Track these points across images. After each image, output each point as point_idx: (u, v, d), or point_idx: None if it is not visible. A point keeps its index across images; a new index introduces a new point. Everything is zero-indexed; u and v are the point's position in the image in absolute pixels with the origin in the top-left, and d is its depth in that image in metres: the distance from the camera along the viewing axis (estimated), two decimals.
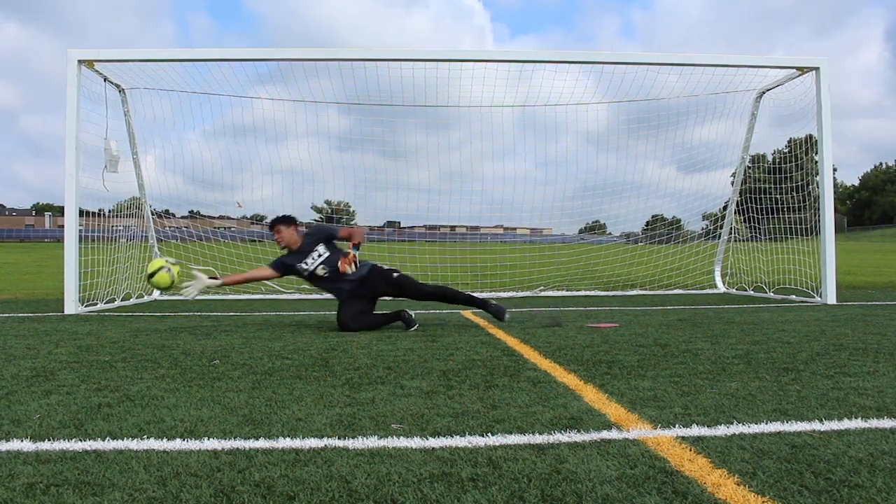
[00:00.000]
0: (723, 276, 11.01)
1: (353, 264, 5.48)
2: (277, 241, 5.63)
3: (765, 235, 10.62)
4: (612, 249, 13.13)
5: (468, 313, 7.13)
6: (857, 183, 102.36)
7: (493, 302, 5.81)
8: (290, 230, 5.61)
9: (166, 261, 5.72)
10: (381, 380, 3.34)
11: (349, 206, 15.51)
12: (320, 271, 5.51)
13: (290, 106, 10.00)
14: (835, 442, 2.23)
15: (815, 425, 2.44)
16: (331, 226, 5.84)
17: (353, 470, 1.97)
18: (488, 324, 5.99)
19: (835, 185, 16.56)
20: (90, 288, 8.11)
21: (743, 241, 11.08)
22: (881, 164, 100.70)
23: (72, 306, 7.35)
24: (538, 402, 2.83)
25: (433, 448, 2.18)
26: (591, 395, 2.95)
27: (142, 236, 9.65)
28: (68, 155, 7.49)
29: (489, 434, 2.34)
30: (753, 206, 10.66)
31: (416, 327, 5.51)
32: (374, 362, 3.87)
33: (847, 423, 2.46)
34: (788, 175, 10.23)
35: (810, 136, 9.35)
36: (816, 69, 8.36)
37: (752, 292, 9.85)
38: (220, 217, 13.21)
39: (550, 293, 10.28)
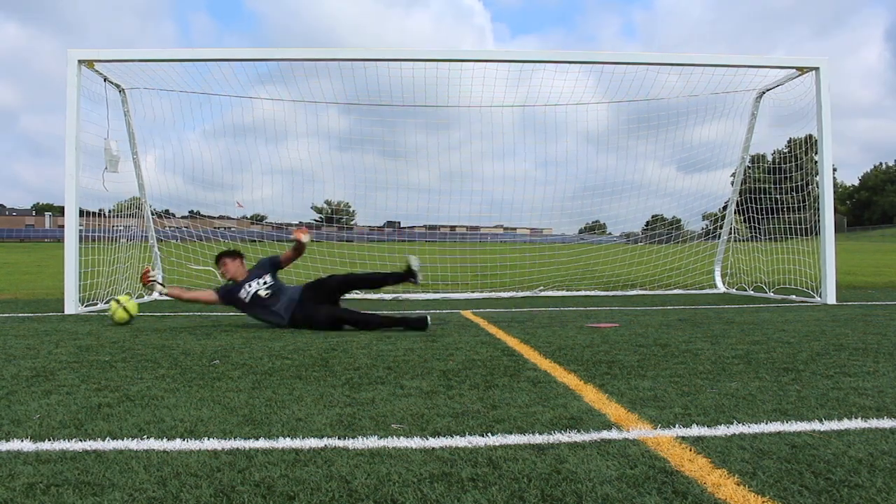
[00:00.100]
0: (723, 276, 11.01)
1: (307, 234, 5.76)
2: (223, 274, 5.82)
3: (765, 235, 10.62)
4: (612, 249, 13.13)
5: (468, 313, 7.13)
6: (857, 183, 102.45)
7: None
8: (235, 263, 5.82)
9: (116, 301, 5.98)
10: (381, 380, 3.34)
11: (349, 206, 15.53)
12: (262, 292, 5.63)
13: (290, 106, 10.01)
14: (835, 442, 2.23)
15: (815, 425, 2.44)
16: (274, 255, 5.92)
17: (353, 470, 1.97)
18: (488, 324, 5.99)
19: (835, 185, 16.58)
20: (90, 288, 8.10)
21: (743, 241, 11.09)
22: (881, 164, 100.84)
23: (72, 306, 7.35)
24: (538, 402, 2.83)
25: (433, 448, 2.18)
26: (591, 395, 2.95)
27: (142, 236, 9.65)
28: (68, 155, 7.49)
29: (489, 434, 2.34)
30: (753, 206, 10.66)
31: (426, 326, 5.48)
32: (374, 362, 3.87)
33: (847, 423, 2.46)
34: (788, 175, 10.23)
35: (810, 136, 9.35)
36: (816, 69, 8.36)
37: (752, 292, 9.85)
38: (220, 217, 13.21)
39: (550, 293, 10.28)
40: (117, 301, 5.95)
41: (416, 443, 2.24)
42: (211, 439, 2.29)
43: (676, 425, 2.45)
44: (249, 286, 5.66)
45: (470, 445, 2.21)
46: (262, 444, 2.24)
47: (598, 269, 12.15)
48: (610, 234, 14.89)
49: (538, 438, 2.28)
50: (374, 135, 10.72)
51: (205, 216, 12.11)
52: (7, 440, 2.30)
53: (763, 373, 3.47)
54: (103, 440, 2.28)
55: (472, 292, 10.34)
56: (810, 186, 10.03)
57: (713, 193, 11.74)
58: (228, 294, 5.69)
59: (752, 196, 10.73)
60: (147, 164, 9.64)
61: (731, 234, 11.04)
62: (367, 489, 1.82)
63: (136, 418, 2.58)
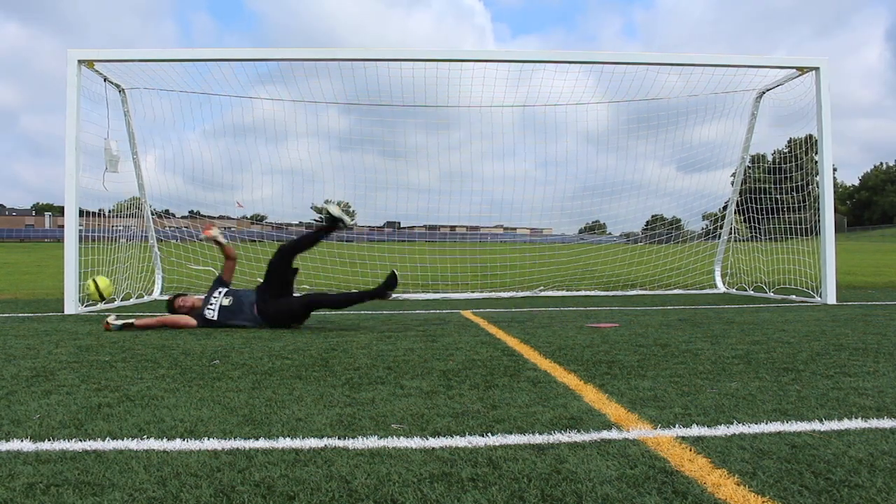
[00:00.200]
0: (723, 276, 11.01)
1: (215, 230, 6.13)
2: (180, 308, 5.93)
3: (765, 235, 10.62)
4: (611, 249, 13.13)
5: (468, 313, 7.13)
6: (857, 183, 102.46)
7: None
8: (189, 297, 6.02)
9: (92, 280, 6.14)
10: (381, 380, 3.34)
11: (349, 207, 15.51)
12: (224, 301, 5.80)
13: (290, 106, 10.01)
14: (835, 442, 2.23)
15: (815, 425, 2.44)
16: (218, 276, 6.15)
17: (353, 470, 1.97)
18: (488, 324, 5.99)
19: (835, 185, 16.57)
20: (90, 287, 8.10)
21: (743, 241, 11.09)
22: (881, 164, 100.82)
23: (72, 306, 7.34)
24: (538, 402, 2.83)
25: (433, 448, 2.18)
26: (591, 395, 2.95)
27: (142, 236, 9.66)
28: (68, 155, 7.49)
29: (489, 434, 2.34)
30: (753, 206, 10.66)
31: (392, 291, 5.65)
32: (374, 362, 3.87)
33: (847, 423, 2.46)
34: (788, 175, 10.23)
35: (810, 136, 9.35)
36: (816, 69, 8.36)
37: (752, 292, 9.85)
38: (220, 217, 13.21)
39: (550, 293, 10.28)
40: (94, 281, 6.02)
41: (416, 443, 2.24)
42: (211, 439, 2.29)
43: (676, 425, 2.45)
44: (212, 304, 5.81)
45: (470, 445, 2.21)
46: (262, 444, 2.24)
47: (598, 269, 12.15)
48: (610, 234, 14.90)
49: (538, 438, 2.28)
50: (374, 135, 10.73)
51: (205, 216, 12.10)
52: (7, 440, 2.30)
53: (763, 373, 3.47)
54: (103, 440, 2.28)
55: (472, 292, 10.34)
56: (810, 186, 10.04)
57: (713, 193, 11.76)
58: (201, 318, 5.80)
59: (752, 196, 10.73)
60: (147, 164, 9.65)
61: (731, 234, 11.04)
62: (367, 489, 1.82)
63: (136, 418, 2.58)
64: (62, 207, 8.43)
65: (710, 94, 9.66)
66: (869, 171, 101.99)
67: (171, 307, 6.00)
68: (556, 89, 9.35)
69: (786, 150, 10.81)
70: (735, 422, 2.49)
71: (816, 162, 8.82)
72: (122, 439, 2.29)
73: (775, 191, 10.63)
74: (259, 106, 10.10)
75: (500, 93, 9.32)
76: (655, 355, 4.06)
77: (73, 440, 2.29)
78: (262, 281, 5.94)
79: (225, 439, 2.29)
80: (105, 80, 8.25)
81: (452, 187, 11.37)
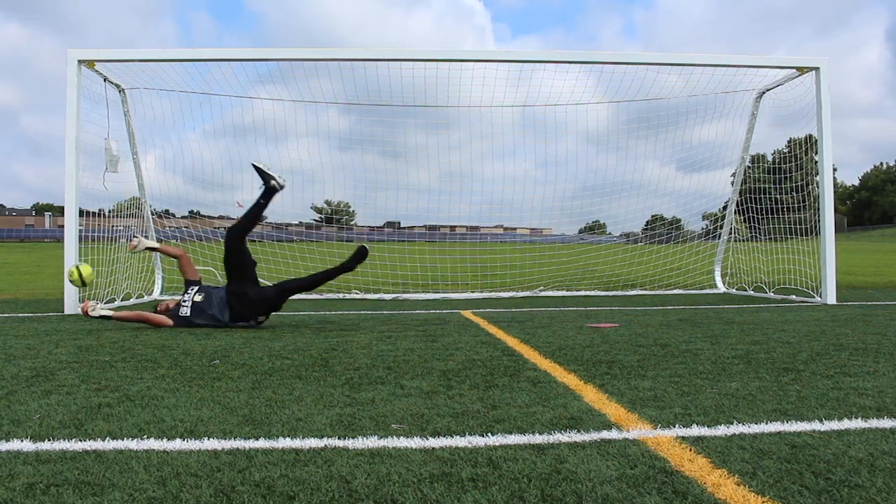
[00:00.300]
0: (723, 276, 11.02)
1: (137, 242, 6.25)
2: (160, 310, 5.99)
3: (765, 235, 10.62)
4: (611, 249, 13.13)
5: (468, 313, 7.13)
6: (857, 183, 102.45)
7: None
8: (169, 300, 6.11)
9: (76, 266, 6.24)
10: (381, 380, 3.34)
11: (349, 206, 15.52)
12: (197, 297, 5.83)
13: (290, 106, 10.00)
14: (835, 442, 2.23)
15: (815, 425, 2.44)
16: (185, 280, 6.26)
17: (353, 470, 1.97)
18: (488, 324, 6.00)
19: (835, 185, 16.57)
20: (90, 288, 8.10)
21: (743, 241, 11.09)
22: (881, 164, 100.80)
23: (72, 306, 7.34)
24: (538, 402, 2.83)
25: (433, 448, 2.18)
26: (591, 395, 2.95)
27: (142, 236, 9.64)
28: (68, 155, 7.49)
29: (489, 434, 2.34)
30: (753, 206, 10.66)
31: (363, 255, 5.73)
32: (374, 362, 3.87)
33: (847, 423, 2.46)
34: (788, 175, 10.24)
35: (810, 136, 9.35)
36: (816, 69, 8.37)
37: (752, 292, 9.85)
38: (220, 217, 13.20)
39: (550, 293, 10.28)
40: (77, 267, 6.14)
41: (416, 443, 2.24)
42: (211, 439, 2.29)
43: (676, 425, 2.45)
44: (185, 302, 5.85)
45: (470, 445, 2.21)
46: (262, 444, 2.24)
47: (598, 269, 12.15)
48: (610, 234, 14.90)
49: (538, 438, 2.28)
50: (374, 135, 10.73)
51: (205, 216, 12.10)
52: (7, 440, 2.30)
53: (763, 373, 3.47)
54: (103, 440, 2.28)
55: (472, 292, 10.34)
56: (810, 186, 10.04)
57: (713, 193, 11.75)
58: (177, 318, 5.83)
59: (752, 196, 10.73)
60: (147, 164, 9.65)
61: (731, 234, 11.04)
62: (367, 489, 1.82)
63: (136, 418, 2.58)
64: (62, 207, 8.43)
65: (710, 94, 9.66)
66: (869, 171, 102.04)
67: (156, 308, 6.06)
68: (556, 89, 9.35)
69: (786, 150, 10.81)
70: (735, 422, 2.49)
71: (816, 162, 8.82)
72: (122, 439, 2.29)
73: (775, 191, 10.63)
74: (259, 106, 10.10)
75: (500, 93, 9.33)
76: (655, 355, 4.06)
77: (73, 440, 2.29)
78: (229, 284, 5.95)
79: (225, 439, 2.29)
80: (105, 80, 8.25)
81: (452, 187, 11.37)
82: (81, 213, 7.77)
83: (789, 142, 10.47)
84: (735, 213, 10.93)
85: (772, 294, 9.39)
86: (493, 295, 10.08)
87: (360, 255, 5.70)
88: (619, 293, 10.19)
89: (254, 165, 5.94)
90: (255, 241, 12.71)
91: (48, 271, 17.47)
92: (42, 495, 1.78)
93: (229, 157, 10.69)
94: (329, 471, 1.97)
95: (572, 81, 9.28)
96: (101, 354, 4.21)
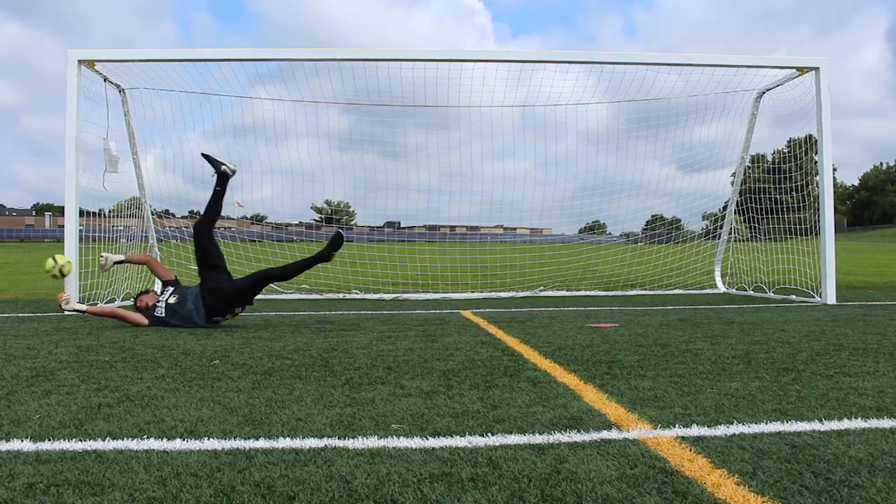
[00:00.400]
0: (723, 276, 11.01)
1: (103, 261, 6.34)
2: (140, 308, 6.02)
3: (765, 235, 10.62)
4: (612, 249, 13.13)
5: (468, 313, 7.13)
6: (857, 183, 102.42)
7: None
8: (148, 295, 6.13)
9: (52, 257, 6.38)
10: (381, 380, 3.34)
11: (349, 206, 15.53)
12: (171, 299, 5.85)
13: (290, 106, 10.00)
14: (835, 442, 2.23)
15: (815, 425, 2.44)
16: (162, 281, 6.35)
17: (353, 470, 1.97)
18: (488, 324, 6.00)
19: (835, 185, 16.57)
20: (90, 288, 8.10)
21: (743, 241, 11.08)
22: (881, 164, 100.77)
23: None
24: (538, 402, 2.83)
25: (433, 448, 2.18)
26: (591, 395, 2.95)
27: (142, 236, 9.65)
28: (68, 155, 7.49)
29: (489, 434, 2.34)
30: (753, 206, 10.66)
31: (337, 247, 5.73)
32: (374, 362, 3.87)
33: (847, 423, 2.46)
34: (788, 175, 10.24)
35: (810, 136, 9.35)
36: (816, 69, 8.37)
37: (752, 292, 9.85)
38: (220, 217, 13.18)
39: (550, 293, 10.28)
40: (54, 258, 6.25)
41: (416, 443, 2.24)
42: (211, 439, 2.29)
43: (676, 425, 2.45)
44: (160, 303, 5.88)
45: (470, 445, 2.21)
46: (262, 444, 2.24)
47: (598, 269, 12.15)
48: (610, 234, 14.90)
49: (538, 438, 2.28)
50: (374, 135, 10.73)
51: None
52: (7, 440, 2.30)
53: (763, 373, 3.47)
54: (103, 440, 2.29)
55: (472, 292, 10.34)
56: (810, 186, 10.03)
57: (713, 193, 11.75)
58: (152, 318, 5.85)
59: (752, 196, 10.73)
60: (147, 164, 9.64)
61: (731, 234, 11.04)
62: (367, 489, 1.82)
63: (136, 418, 2.58)
64: (62, 207, 8.43)
65: (710, 94, 9.66)
66: (869, 171, 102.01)
67: (135, 302, 6.11)
68: (556, 89, 9.35)
69: (786, 150, 10.81)
70: (735, 422, 2.49)
71: (816, 162, 8.82)
72: (122, 439, 2.29)
73: (775, 191, 10.63)
74: (259, 106, 10.10)
75: (500, 93, 9.33)
76: (655, 355, 4.06)
77: (73, 440, 2.29)
78: (203, 283, 5.98)
79: (225, 439, 2.29)
80: (105, 80, 8.25)
81: (452, 187, 11.37)
82: (81, 213, 7.77)
83: (789, 142, 10.48)
84: (735, 213, 10.93)
85: (772, 294, 9.39)
86: (493, 295, 10.08)
87: (337, 241, 5.70)
88: (619, 293, 10.19)
89: (203, 155, 6.08)
90: (255, 241, 12.73)
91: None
92: (42, 495, 1.79)
93: (229, 157, 10.65)
94: (329, 471, 1.97)
95: (572, 81, 9.29)
96: (101, 354, 4.21)
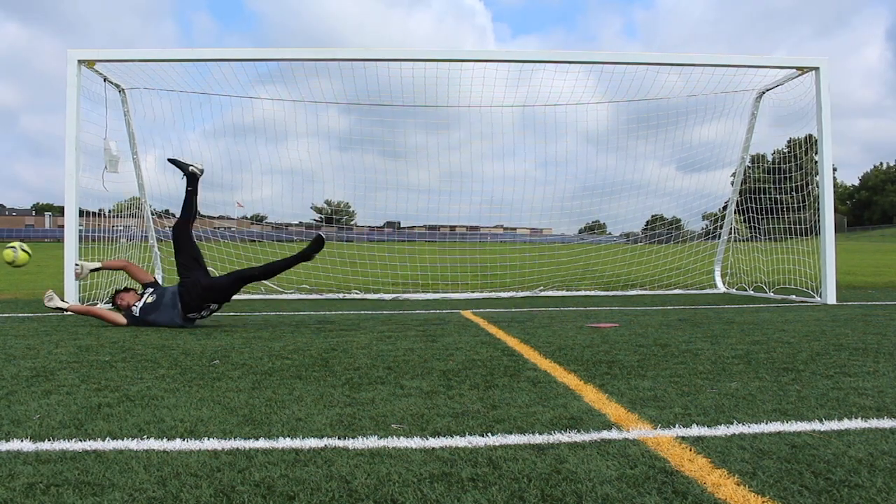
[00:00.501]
0: (723, 276, 11.01)
1: (79, 269, 6.33)
2: (120, 306, 6.08)
3: (765, 235, 10.62)
4: (612, 249, 13.13)
5: (468, 313, 7.13)
6: (857, 183, 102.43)
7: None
8: (129, 294, 6.17)
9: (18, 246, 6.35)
10: (381, 380, 3.34)
11: (349, 206, 15.53)
12: (149, 298, 5.90)
13: (290, 106, 10.00)
14: (835, 442, 2.23)
15: (815, 425, 2.44)
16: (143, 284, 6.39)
17: (353, 470, 1.97)
18: (488, 324, 6.00)
19: (835, 185, 16.58)
20: (90, 288, 8.10)
21: (743, 241, 11.08)
22: (881, 164, 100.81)
23: None
24: (538, 402, 2.83)
25: (433, 448, 2.18)
26: (591, 395, 2.95)
27: (142, 236, 9.65)
28: (68, 155, 7.49)
29: (489, 434, 2.34)
30: (753, 206, 10.65)
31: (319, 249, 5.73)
32: (374, 362, 3.87)
33: (847, 423, 2.46)
34: (788, 175, 10.23)
35: (810, 136, 9.35)
36: (816, 69, 8.37)
37: (752, 292, 9.85)
38: (220, 217, 13.20)
39: (550, 293, 10.28)
40: (13, 248, 6.24)
41: (416, 443, 2.24)
42: (211, 439, 2.29)
43: (676, 425, 2.45)
44: (137, 303, 5.93)
45: (470, 445, 2.21)
46: (262, 444, 2.24)
47: (598, 269, 12.15)
48: (610, 234, 14.90)
49: (538, 438, 2.28)
50: (375, 135, 10.73)
51: (205, 216, 12.09)
52: (7, 440, 2.30)
53: (763, 373, 3.47)
54: (103, 440, 2.29)
55: (472, 292, 10.34)
56: (810, 186, 10.03)
57: (713, 193, 11.75)
58: (130, 317, 5.89)
59: (752, 196, 10.73)
60: (147, 164, 9.64)
61: (731, 234, 11.04)
62: (367, 489, 1.82)
63: (136, 418, 2.58)
64: (62, 207, 8.43)
65: (710, 94, 9.66)
66: (869, 171, 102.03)
67: (113, 299, 6.15)
68: (556, 89, 9.35)
69: (786, 150, 10.80)
70: (735, 422, 2.49)
71: (816, 162, 8.82)
72: (122, 439, 2.29)
73: (775, 191, 10.63)
74: (259, 106, 10.10)
75: (500, 93, 9.32)
76: (655, 355, 4.06)
77: (73, 440, 2.29)
78: (181, 281, 6.02)
79: (225, 439, 2.29)
80: (105, 80, 8.25)
81: (452, 187, 11.37)
82: (81, 213, 7.77)
83: (789, 142, 10.47)
84: (735, 213, 10.92)
85: (772, 294, 9.39)
86: (493, 295, 10.08)
87: (318, 243, 5.72)
88: (619, 293, 10.19)
89: (169, 160, 6.19)
90: (255, 241, 12.73)
91: (48, 271, 17.46)
92: (42, 495, 1.79)
93: (229, 157, 10.69)
94: (329, 471, 1.97)
95: (572, 81, 9.29)
96: (101, 354, 4.21)
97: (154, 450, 2.17)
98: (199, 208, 6.46)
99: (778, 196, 10.54)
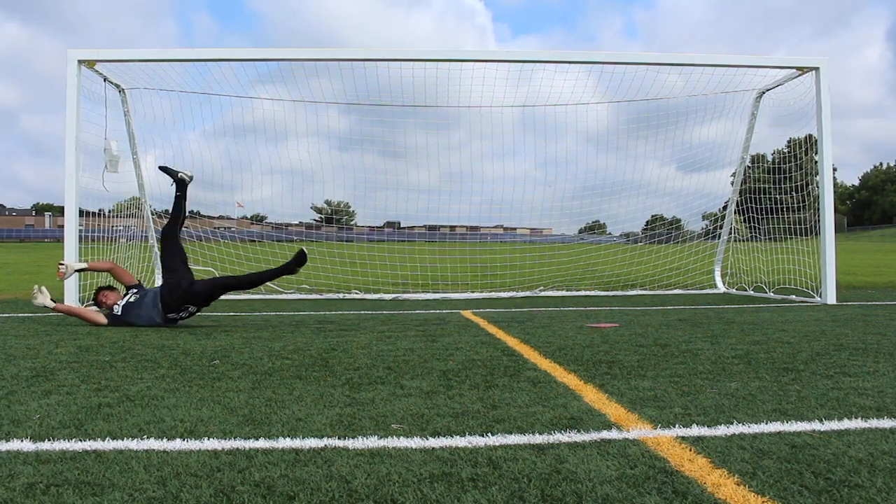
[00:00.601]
0: (723, 276, 11.01)
1: (64, 269, 6.29)
2: (102, 304, 6.09)
3: (765, 235, 10.62)
4: (612, 249, 13.13)
5: (468, 313, 7.13)
6: (857, 183, 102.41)
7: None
8: (113, 293, 6.20)
9: None
10: (381, 380, 3.34)
11: (349, 206, 15.54)
12: (132, 298, 5.92)
13: (290, 106, 10.01)
14: (835, 442, 2.23)
15: (815, 425, 2.44)
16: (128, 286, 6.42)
17: (353, 470, 1.97)
18: (488, 324, 6.00)
19: (835, 185, 16.58)
20: (90, 288, 8.09)
21: (743, 241, 11.09)
22: (881, 164, 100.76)
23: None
24: (538, 402, 2.83)
25: (433, 448, 2.18)
26: (591, 395, 2.95)
27: (142, 236, 9.65)
28: (68, 155, 7.49)
29: (489, 434, 2.34)
30: (753, 206, 10.66)
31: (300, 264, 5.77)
32: (374, 362, 3.87)
33: (847, 423, 2.46)
34: (788, 175, 10.24)
35: (810, 136, 9.35)
36: (816, 69, 8.37)
37: (752, 292, 9.85)
38: (220, 217, 13.21)
39: (550, 293, 10.28)
40: None
41: (416, 443, 2.24)
42: (211, 439, 2.29)
43: (676, 425, 2.45)
44: (121, 301, 5.96)
45: (470, 445, 2.21)
46: (262, 444, 2.24)
47: (598, 269, 12.15)
48: (610, 234, 14.90)
49: (538, 438, 2.28)
50: (375, 135, 10.74)
51: (205, 216, 12.11)
52: (7, 440, 2.30)
53: (763, 373, 3.47)
54: (103, 440, 2.28)
55: (472, 292, 10.34)
56: (810, 186, 10.03)
57: (713, 193, 11.76)
58: (111, 316, 5.91)
59: (752, 196, 10.73)
60: (147, 164, 9.64)
61: (731, 234, 11.04)
62: (367, 489, 1.82)
63: (136, 418, 2.58)
64: (62, 207, 8.43)
65: (710, 94, 9.67)
66: (869, 171, 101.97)
67: (95, 297, 6.15)
68: (557, 89, 9.36)
69: (786, 150, 10.81)
70: (735, 422, 2.49)
71: (816, 162, 8.82)
72: (122, 439, 2.29)
73: (775, 191, 10.63)
74: (259, 106, 10.11)
75: (500, 93, 9.33)
76: (655, 355, 4.06)
77: (73, 440, 2.29)
78: (165, 283, 6.04)
79: (225, 439, 2.29)
80: (105, 80, 8.25)
81: (452, 187, 11.38)
82: (81, 213, 7.77)
83: (789, 142, 10.48)
84: (735, 213, 10.93)
85: (772, 294, 9.39)
86: (493, 295, 10.08)
87: (300, 258, 5.78)
88: (619, 293, 10.19)
89: (160, 168, 6.30)
90: (255, 241, 12.74)
91: (48, 271, 17.46)
92: (42, 495, 1.78)
93: (229, 157, 10.70)
94: (329, 471, 1.97)
95: (572, 81, 9.30)
96: (101, 354, 4.21)
97: (154, 450, 2.17)
98: (188, 212, 6.56)
99: (778, 196, 10.54)
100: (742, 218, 10.95)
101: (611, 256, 12.57)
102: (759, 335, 5.01)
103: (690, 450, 2.15)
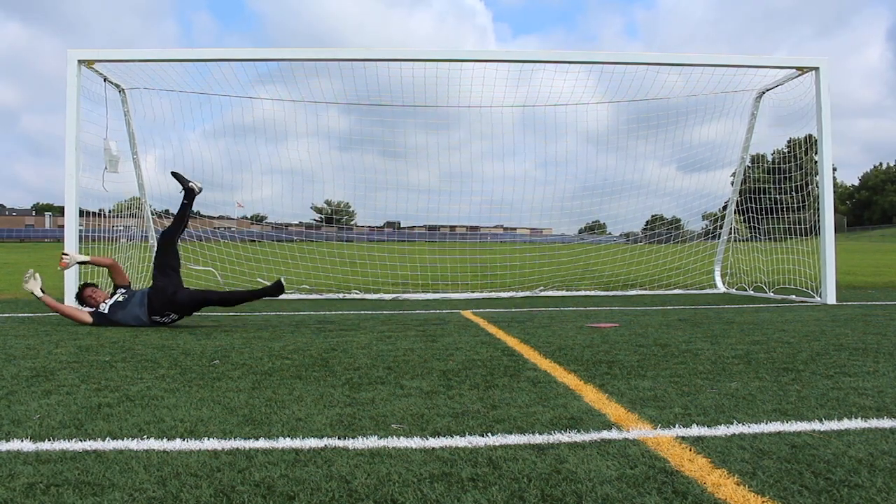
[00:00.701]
0: (723, 276, 11.01)
1: (67, 259, 6.41)
2: (88, 303, 6.13)
3: (765, 235, 10.62)
4: (611, 249, 13.13)
5: (468, 313, 7.13)
6: (857, 183, 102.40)
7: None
8: (99, 292, 6.24)
9: None
10: (381, 380, 3.34)
11: (349, 206, 15.54)
12: (119, 298, 5.96)
13: (290, 106, 10.01)
14: (835, 442, 2.23)
15: (815, 425, 2.44)
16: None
17: (353, 470, 1.97)
18: (488, 324, 6.00)
19: (835, 184, 16.58)
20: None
21: (743, 241, 11.09)
22: (881, 164, 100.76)
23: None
24: (538, 402, 2.83)
25: (433, 448, 2.18)
26: (591, 395, 2.95)
27: (142, 236, 9.65)
28: (68, 155, 7.49)
29: (489, 434, 2.34)
30: (753, 206, 10.66)
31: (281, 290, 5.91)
32: (374, 362, 3.87)
33: (847, 423, 2.46)
34: (788, 175, 10.24)
35: (810, 136, 9.35)
36: (816, 69, 8.37)
37: (752, 292, 9.85)
38: (220, 217, 13.21)
39: (550, 293, 10.28)
40: None
41: (416, 443, 2.24)
42: (211, 439, 2.29)
43: (676, 425, 2.45)
44: (107, 301, 5.99)
45: (470, 445, 2.21)
46: (262, 444, 2.24)
47: (598, 269, 12.15)
48: (610, 233, 14.90)
49: (538, 438, 2.28)
50: (375, 135, 10.74)
51: (205, 216, 12.11)
52: (7, 440, 2.30)
53: (763, 373, 3.47)
54: (103, 440, 2.28)
55: (472, 292, 10.34)
56: (810, 186, 10.03)
57: (713, 193, 11.76)
58: (97, 314, 5.93)
59: (752, 196, 10.73)
60: (147, 164, 9.65)
61: (731, 234, 11.04)
62: (367, 489, 1.82)
63: (136, 418, 2.58)
64: (62, 207, 8.44)
65: (710, 94, 9.67)
66: (869, 171, 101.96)
67: (80, 295, 6.18)
68: (557, 89, 9.36)
69: (786, 150, 10.81)
70: (735, 422, 2.49)
71: (816, 162, 8.82)
72: (122, 439, 2.29)
73: (775, 191, 10.63)
74: (259, 106, 10.11)
75: (500, 93, 9.33)
76: (655, 355, 4.06)
77: (73, 440, 2.29)
78: (155, 284, 6.06)
79: (225, 439, 2.29)
80: (105, 80, 8.25)
81: (452, 187, 11.38)
82: (81, 213, 7.77)
83: (789, 142, 10.48)
84: (735, 213, 10.93)
85: (772, 294, 9.39)
86: (493, 295, 10.08)
87: (278, 288, 5.88)
88: (619, 293, 10.19)
89: (173, 173, 6.35)
90: (255, 241, 12.73)
91: (48, 271, 17.43)
92: (42, 495, 1.79)
93: (229, 157, 10.70)
94: (329, 471, 1.97)
95: (572, 81, 9.30)
96: (101, 354, 4.21)
97: (154, 450, 2.17)
98: (189, 220, 6.56)
99: (778, 196, 10.54)
100: (742, 218, 10.95)
101: (611, 256, 12.57)
102: (759, 335, 5.01)
103: (690, 450, 2.15)
